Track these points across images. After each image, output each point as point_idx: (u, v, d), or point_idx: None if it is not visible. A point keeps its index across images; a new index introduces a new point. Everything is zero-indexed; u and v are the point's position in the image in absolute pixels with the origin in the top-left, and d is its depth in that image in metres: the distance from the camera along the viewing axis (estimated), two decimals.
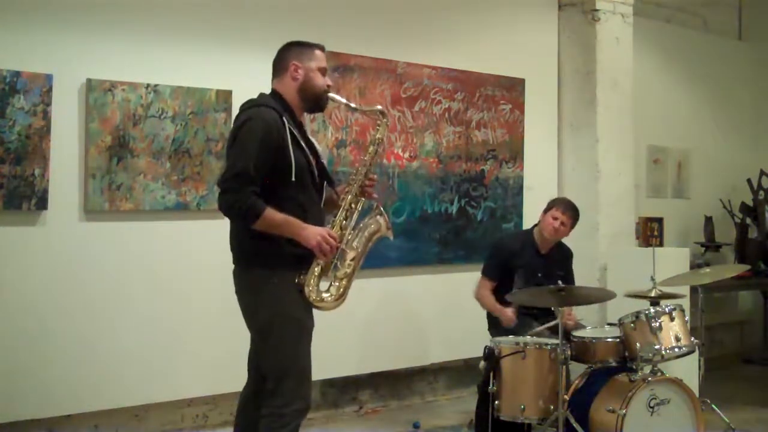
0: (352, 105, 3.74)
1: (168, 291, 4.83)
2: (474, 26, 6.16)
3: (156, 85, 4.75)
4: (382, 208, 3.53)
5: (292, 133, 3.31)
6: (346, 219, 3.43)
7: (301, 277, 3.30)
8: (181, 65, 4.87)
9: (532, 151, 6.45)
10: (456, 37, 6.08)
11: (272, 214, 3.21)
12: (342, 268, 3.37)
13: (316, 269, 3.32)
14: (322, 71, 3.48)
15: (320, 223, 3.39)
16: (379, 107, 3.71)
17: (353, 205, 3.46)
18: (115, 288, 4.67)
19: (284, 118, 3.32)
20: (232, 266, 3.42)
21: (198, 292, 4.89)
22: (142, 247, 4.76)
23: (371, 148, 3.54)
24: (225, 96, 4.97)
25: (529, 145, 6.43)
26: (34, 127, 4.38)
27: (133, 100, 4.67)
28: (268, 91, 3.50)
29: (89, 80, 4.55)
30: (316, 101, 3.50)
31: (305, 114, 3.59)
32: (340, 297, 3.36)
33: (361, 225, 3.47)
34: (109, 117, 4.60)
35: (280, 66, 3.48)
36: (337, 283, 3.36)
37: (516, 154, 6.36)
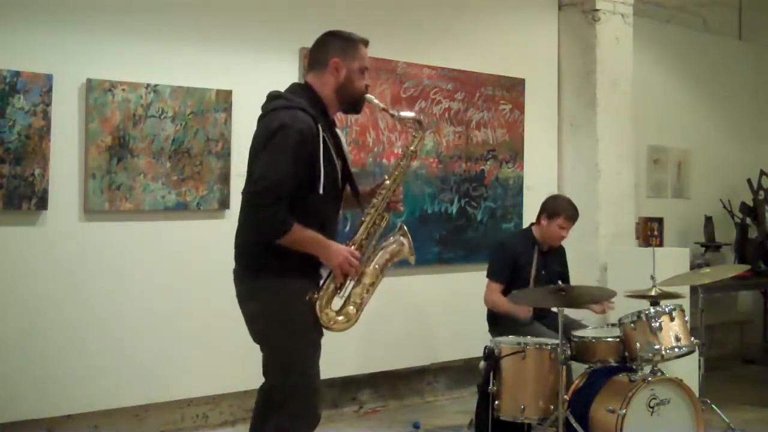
0: (390, 111, 3.45)
1: (168, 291, 4.83)
2: (474, 26, 6.16)
3: (156, 85, 4.75)
4: (406, 228, 3.32)
5: (325, 141, 3.11)
6: (367, 237, 3.24)
7: (314, 295, 3.14)
8: (181, 65, 4.87)
9: (532, 151, 6.45)
10: (456, 37, 6.08)
11: (299, 231, 3.03)
12: (358, 289, 3.19)
13: (330, 288, 3.16)
14: (363, 70, 3.26)
15: (335, 233, 3.24)
16: (415, 115, 3.49)
17: (377, 222, 3.26)
18: (115, 288, 4.67)
19: (319, 125, 3.11)
20: (233, 267, 3.29)
21: (198, 293, 4.88)
22: (142, 247, 4.76)
23: (403, 161, 3.33)
24: (225, 96, 4.96)
25: (529, 145, 6.43)
26: (34, 127, 4.38)
27: (133, 100, 4.67)
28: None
29: (89, 80, 4.55)
30: (353, 103, 3.30)
31: None
32: (351, 320, 3.18)
33: (384, 244, 3.28)
34: (109, 117, 4.60)
35: (319, 58, 3.24)
36: (352, 306, 3.18)
37: (516, 154, 6.36)
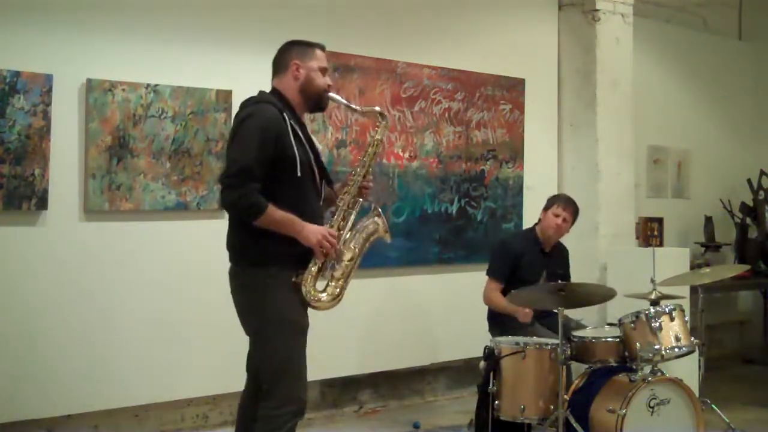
0: (352, 105, 3.75)
1: (168, 291, 4.83)
2: (474, 26, 6.16)
3: (156, 85, 4.75)
4: (380, 210, 3.53)
5: (293, 128, 3.32)
6: (344, 219, 3.43)
7: (298, 276, 3.30)
8: (181, 65, 4.87)
9: (532, 151, 6.45)
10: (456, 37, 6.08)
11: (274, 212, 3.21)
12: (339, 268, 3.36)
13: (313, 269, 3.32)
14: (323, 71, 3.49)
15: (319, 220, 3.39)
16: (378, 108, 3.73)
17: (351, 206, 3.46)
18: (114, 288, 4.67)
19: (285, 114, 3.33)
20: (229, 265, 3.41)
21: (198, 292, 4.88)
22: (142, 247, 4.76)
23: (370, 149, 3.55)
24: (225, 96, 4.97)
25: (529, 145, 6.43)
26: (34, 127, 4.38)
27: (133, 100, 4.67)
28: (269, 88, 3.50)
29: (89, 80, 4.55)
30: (316, 101, 3.51)
31: (306, 114, 3.59)
32: (336, 297, 3.36)
33: (359, 226, 3.47)
34: (109, 117, 4.60)
35: (280, 65, 3.49)
36: (334, 284, 3.35)
37: (516, 154, 6.36)
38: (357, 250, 3.42)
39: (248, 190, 3.19)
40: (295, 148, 3.29)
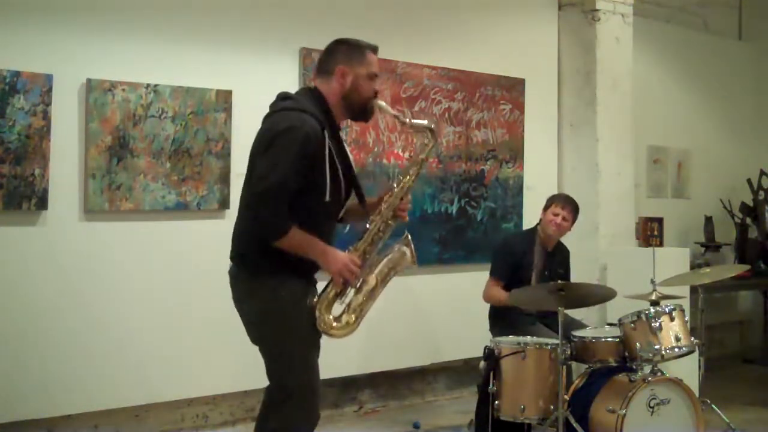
0: (402, 117, 3.39)
1: (168, 291, 4.83)
2: (474, 26, 6.16)
3: (156, 85, 4.75)
4: (410, 238, 3.26)
5: (330, 149, 3.08)
6: (371, 244, 3.19)
7: (313, 300, 3.13)
8: (181, 65, 4.87)
9: (532, 151, 6.45)
10: (456, 37, 6.08)
11: (296, 234, 3.02)
12: (358, 297, 3.16)
13: (330, 294, 3.13)
14: (372, 77, 3.21)
15: (331, 238, 3.21)
16: (427, 122, 3.40)
17: (381, 230, 3.22)
18: (115, 288, 4.67)
19: (325, 131, 3.08)
20: (229, 266, 3.29)
21: (198, 292, 4.88)
22: (142, 247, 4.76)
23: (413, 169, 3.26)
24: (225, 96, 4.96)
25: (529, 145, 6.43)
26: (34, 127, 4.38)
27: (133, 100, 4.67)
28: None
29: (89, 80, 4.55)
30: (361, 111, 3.25)
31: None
32: (351, 326, 3.15)
33: (386, 252, 3.24)
34: (109, 117, 4.60)
35: (326, 67, 3.23)
36: (351, 314, 3.15)
37: (516, 154, 6.36)
38: (380, 280, 3.18)
39: (275, 211, 2.98)
40: (327, 174, 3.06)
